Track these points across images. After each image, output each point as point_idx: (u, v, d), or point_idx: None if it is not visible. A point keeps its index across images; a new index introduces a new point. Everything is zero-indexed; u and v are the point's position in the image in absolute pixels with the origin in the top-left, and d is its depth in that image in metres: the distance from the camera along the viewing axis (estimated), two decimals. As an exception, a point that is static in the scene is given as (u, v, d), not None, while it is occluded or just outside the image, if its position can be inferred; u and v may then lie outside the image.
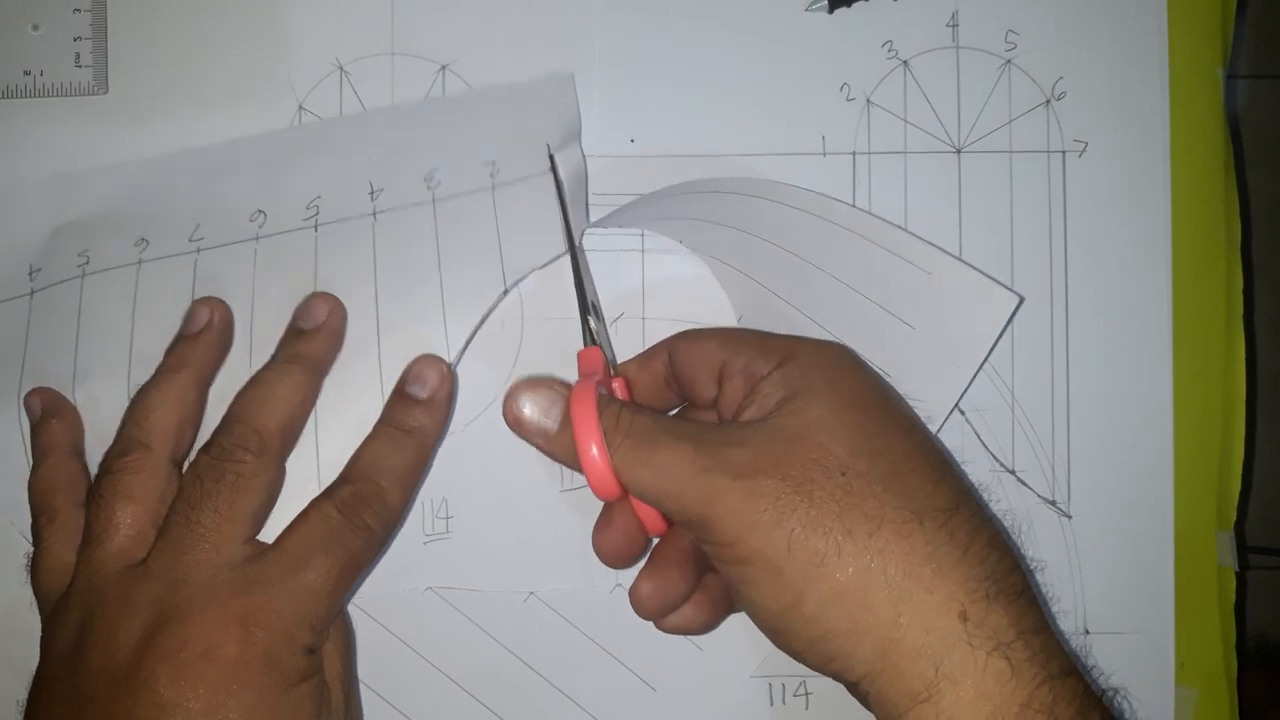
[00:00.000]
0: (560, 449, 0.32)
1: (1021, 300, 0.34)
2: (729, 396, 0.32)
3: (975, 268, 0.34)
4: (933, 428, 0.34)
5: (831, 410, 0.29)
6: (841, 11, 0.38)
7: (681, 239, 0.38)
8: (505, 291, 0.36)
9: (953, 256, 0.34)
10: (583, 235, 0.37)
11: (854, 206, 0.38)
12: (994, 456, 0.38)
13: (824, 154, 0.38)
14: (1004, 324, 0.34)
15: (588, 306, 0.35)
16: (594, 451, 0.30)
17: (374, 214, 0.36)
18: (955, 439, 0.38)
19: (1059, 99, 0.39)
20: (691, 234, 0.38)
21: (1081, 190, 0.38)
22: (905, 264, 0.34)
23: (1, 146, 0.38)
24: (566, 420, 0.31)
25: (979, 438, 0.38)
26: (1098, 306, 0.38)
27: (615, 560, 0.34)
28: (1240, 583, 0.38)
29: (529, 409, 0.32)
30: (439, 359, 0.35)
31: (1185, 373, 0.38)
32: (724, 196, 0.36)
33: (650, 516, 0.32)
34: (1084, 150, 0.39)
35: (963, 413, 0.38)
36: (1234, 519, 0.38)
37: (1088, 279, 0.38)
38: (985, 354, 0.34)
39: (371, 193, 0.37)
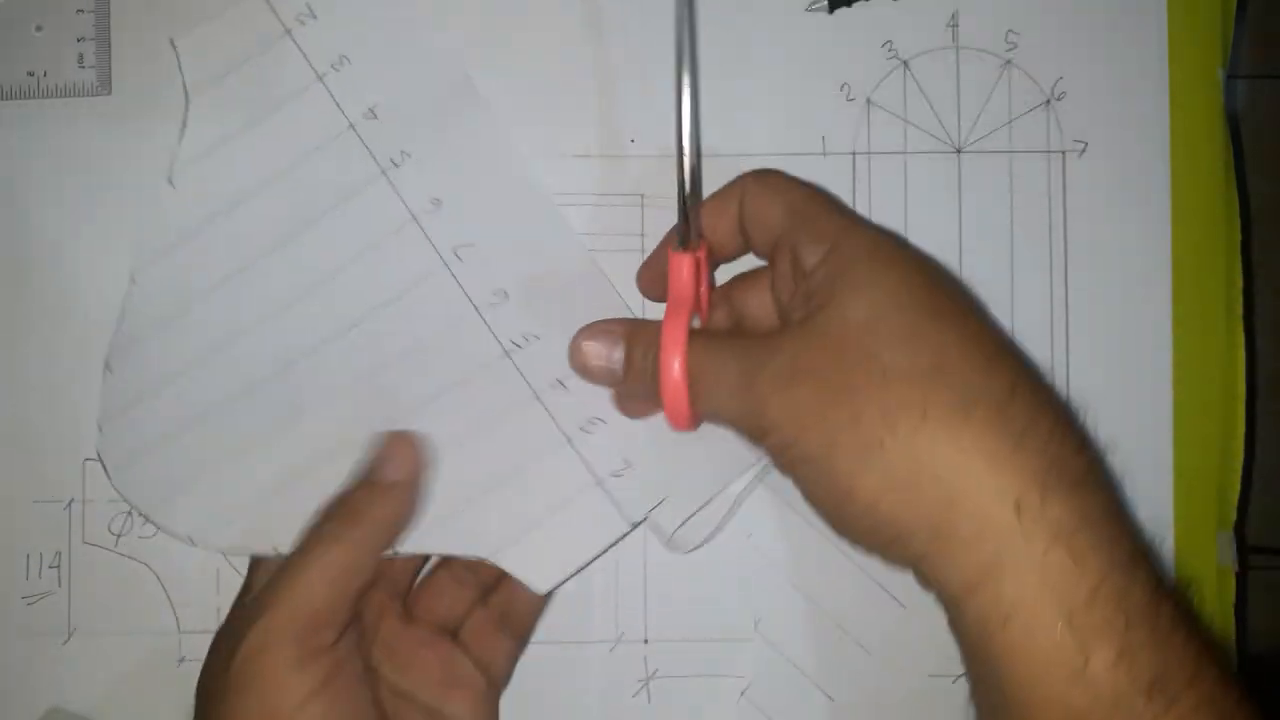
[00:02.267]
0: (633, 390, 0.34)
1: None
2: (779, 272, 0.32)
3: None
4: None
5: (874, 309, 0.29)
6: (841, 11, 0.38)
7: None
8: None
9: None
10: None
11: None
12: (994, 456, 0.38)
13: (824, 154, 0.39)
14: None
15: (688, 185, 0.33)
16: (678, 396, 0.31)
17: None
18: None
19: (1059, 99, 0.39)
20: None
21: (1081, 190, 0.38)
22: None
23: (5, 148, 0.38)
24: (631, 363, 0.33)
25: (979, 438, 0.38)
26: (1098, 306, 0.38)
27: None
28: (1240, 583, 0.38)
29: (593, 357, 0.33)
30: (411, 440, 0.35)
31: (1185, 373, 0.38)
32: None
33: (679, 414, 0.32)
34: (1084, 150, 0.39)
35: (963, 412, 0.38)
36: (1234, 519, 0.38)
37: (1088, 279, 0.38)
38: None
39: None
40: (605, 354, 0.33)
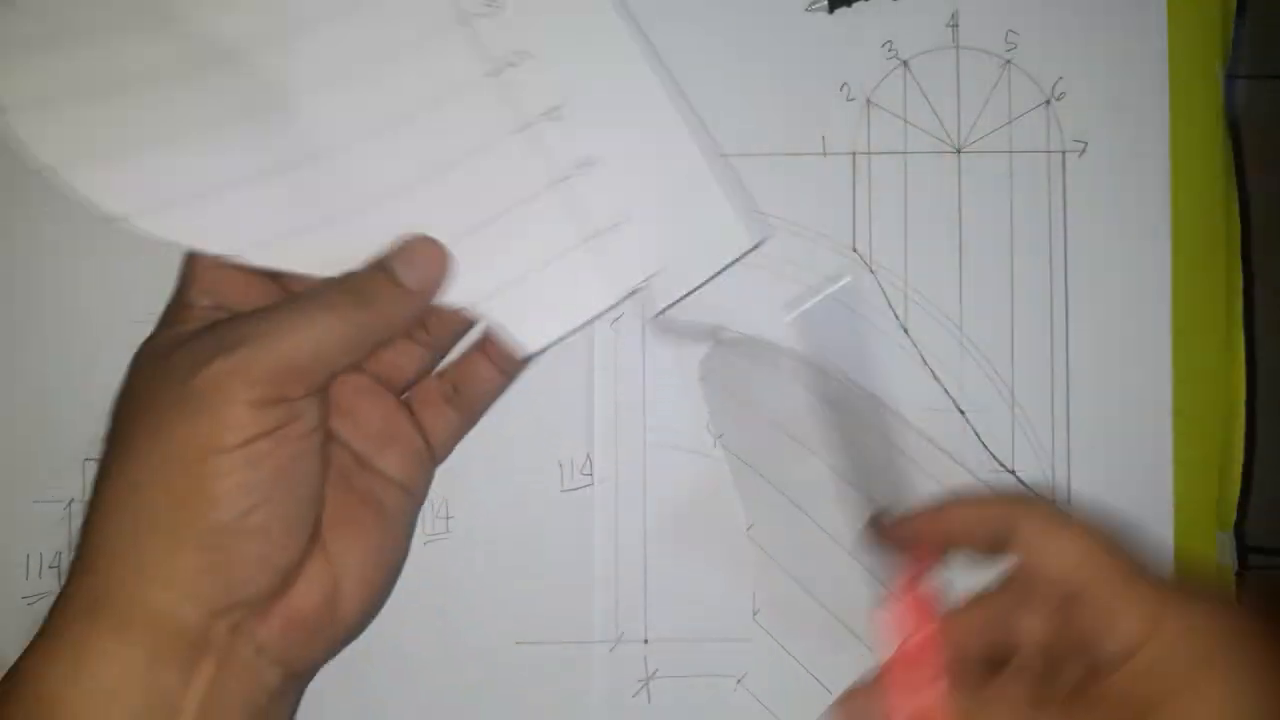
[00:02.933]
0: None
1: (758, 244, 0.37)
2: (1074, 633, 0.28)
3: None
4: None
5: (1250, 699, 0.25)
6: (842, 11, 0.38)
7: None
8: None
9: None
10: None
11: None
12: (994, 456, 0.38)
13: (824, 154, 0.38)
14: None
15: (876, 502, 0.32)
16: None
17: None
18: (955, 439, 0.38)
19: (1059, 99, 0.39)
20: None
21: (1081, 190, 0.38)
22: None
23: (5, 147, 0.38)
24: None
25: (979, 438, 0.38)
26: (1098, 306, 0.38)
27: None
28: (1240, 583, 0.38)
29: None
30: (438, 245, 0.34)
31: (1185, 373, 0.38)
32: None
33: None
34: (1084, 150, 0.39)
35: (963, 413, 0.38)
36: (1234, 519, 0.38)
37: (1088, 279, 0.38)
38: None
39: None
40: None
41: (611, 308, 0.35)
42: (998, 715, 0.28)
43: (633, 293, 0.36)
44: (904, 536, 0.33)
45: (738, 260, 0.36)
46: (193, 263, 0.33)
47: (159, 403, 0.29)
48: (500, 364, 0.35)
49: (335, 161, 0.34)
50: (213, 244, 0.32)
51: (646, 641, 0.38)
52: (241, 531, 0.29)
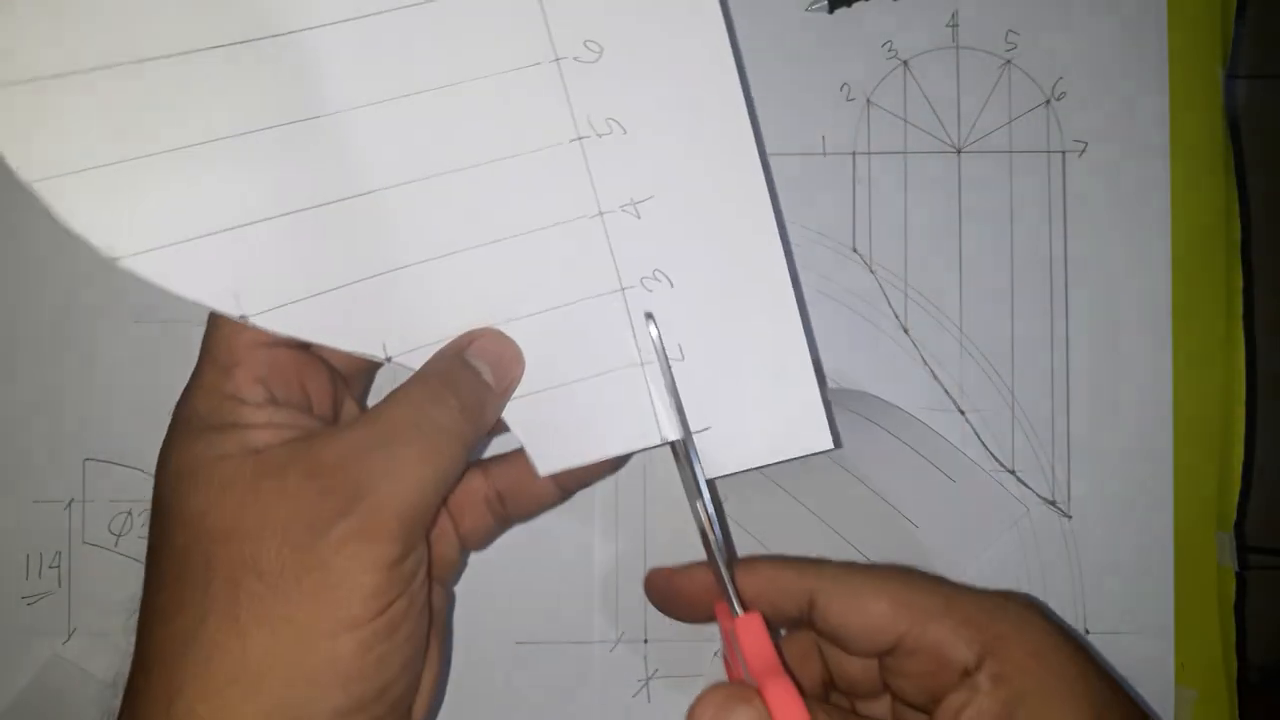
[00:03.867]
0: None
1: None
2: (906, 669, 0.28)
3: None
4: None
5: (1076, 713, 0.26)
6: (841, 11, 0.38)
7: None
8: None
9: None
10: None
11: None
12: (994, 456, 0.38)
13: (824, 153, 0.38)
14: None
15: (717, 511, 0.29)
16: None
17: None
18: (955, 439, 0.38)
19: (1059, 99, 0.39)
20: None
21: (1081, 190, 0.38)
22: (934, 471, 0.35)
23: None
24: None
25: (979, 438, 0.38)
26: (1097, 307, 0.38)
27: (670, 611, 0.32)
28: (1240, 583, 0.38)
29: None
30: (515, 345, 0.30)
31: (1185, 373, 0.38)
32: None
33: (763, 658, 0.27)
34: (1084, 150, 0.39)
35: (962, 413, 0.38)
36: (1234, 519, 0.38)
37: (1087, 279, 0.38)
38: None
39: None
40: None
41: (652, 449, 0.31)
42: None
43: (676, 441, 0.31)
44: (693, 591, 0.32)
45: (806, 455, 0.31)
46: (231, 340, 0.28)
47: (264, 568, 0.25)
48: (564, 481, 0.32)
49: (386, 203, 0.29)
50: (223, 298, 0.27)
51: (646, 641, 0.38)
52: (380, 702, 0.26)
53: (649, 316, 0.30)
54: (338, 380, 0.30)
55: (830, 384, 0.38)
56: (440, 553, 0.32)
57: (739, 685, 0.27)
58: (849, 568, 0.30)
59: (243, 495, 0.26)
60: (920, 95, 0.39)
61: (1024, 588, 0.38)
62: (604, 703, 0.38)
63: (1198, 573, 0.38)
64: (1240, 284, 0.38)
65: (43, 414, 0.38)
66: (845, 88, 0.39)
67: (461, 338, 0.30)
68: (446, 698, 0.37)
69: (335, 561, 0.25)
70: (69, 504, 0.37)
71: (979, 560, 0.37)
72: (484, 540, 0.33)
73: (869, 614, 0.28)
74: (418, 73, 0.29)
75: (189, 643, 0.25)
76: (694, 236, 0.30)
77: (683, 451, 0.30)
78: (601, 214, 0.30)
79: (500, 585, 0.38)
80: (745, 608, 0.28)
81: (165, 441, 0.27)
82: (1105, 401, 0.38)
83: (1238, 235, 0.38)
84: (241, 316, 0.27)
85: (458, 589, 0.37)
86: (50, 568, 0.37)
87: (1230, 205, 0.39)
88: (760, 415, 0.31)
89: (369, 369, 0.32)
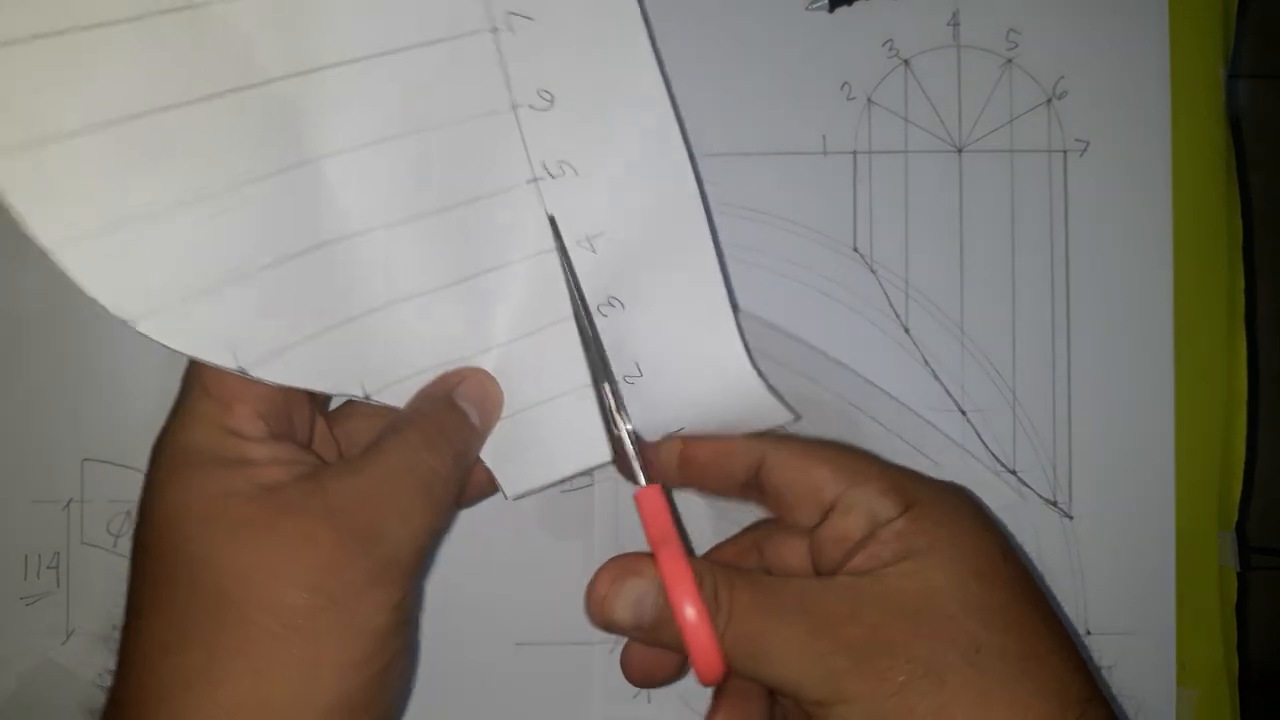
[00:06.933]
0: (660, 639, 0.29)
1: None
2: (837, 532, 0.29)
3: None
4: None
5: (957, 576, 0.27)
6: (842, 10, 0.38)
7: None
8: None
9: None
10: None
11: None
12: (995, 456, 0.38)
13: (825, 153, 0.38)
14: None
15: (617, 404, 0.31)
16: (705, 643, 0.27)
17: None
18: (956, 439, 0.38)
19: (1060, 98, 0.39)
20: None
21: (1082, 190, 0.38)
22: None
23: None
24: (662, 610, 0.28)
25: (980, 437, 0.38)
26: (1099, 306, 0.38)
27: (643, 680, 0.32)
28: (1242, 583, 0.38)
29: (620, 610, 0.28)
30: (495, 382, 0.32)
31: (1187, 373, 0.38)
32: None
33: (710, 665, 0.28)
34: (1085, 150, 0.39)
35: (963, 413, 0.38)
36: (1235, 519, 0.38)
37: (1088, 279, 0.38)
38: None
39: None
40: (633, 608, 0.29)
41: (603, 464, 0.32)
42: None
43: (586, 326, 0.32)
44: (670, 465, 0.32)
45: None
46: (225, 373, 0.28)
47: (282, 609, 0.26)
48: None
49: (358, 249, 0.30)
50: (221, 352, 0.28)
51: (647, 642, 0.38)
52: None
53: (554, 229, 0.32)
54: (314, 406, 0.31)
55: (831, 385, 0.38)
56: None
57: (633, 556, 0.29)
58: (794, 437, 0.32)
59: (259, 535, 0.26)
60: (921, 94, 0.39)
61: (1025, 588, 0.38)
62: (604, 703, 0.38)
63: (1199, 573, 0.38)
64: (1241, 284, 0.38)
65: (42, 414, 0.37)
66: (846, 87, 0.39)
67: (449, 376, 0.31)
68: (447, 698, 0.37)
69: (353, 604, 0.26)
70: (67, 504, 0.37)
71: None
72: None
73: (812, 475, 0.30)
74: (387, 120, 0.30)
75: (197, 678, 0.26)
76: (643, 268, 0.32)
77: (590, 337, 0.31)
78: (559, 249, 0.32)
79: (500, 585, 0.38)
80: (694, 474, 0.31)
81: (159, 472, 0.28)
82: (1107, 401, 0.38)
83: (1239, 235, 0.38)
84: (239, 369, 0.28)
85: (458, 589, 0.37)
86: (49, 568, 0.37)
87: (1231, 205, 0.39)
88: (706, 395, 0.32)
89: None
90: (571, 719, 0.38)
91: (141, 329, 0.27)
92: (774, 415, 0.32)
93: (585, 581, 0.37)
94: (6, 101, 0.26)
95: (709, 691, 0.38)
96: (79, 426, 0.37)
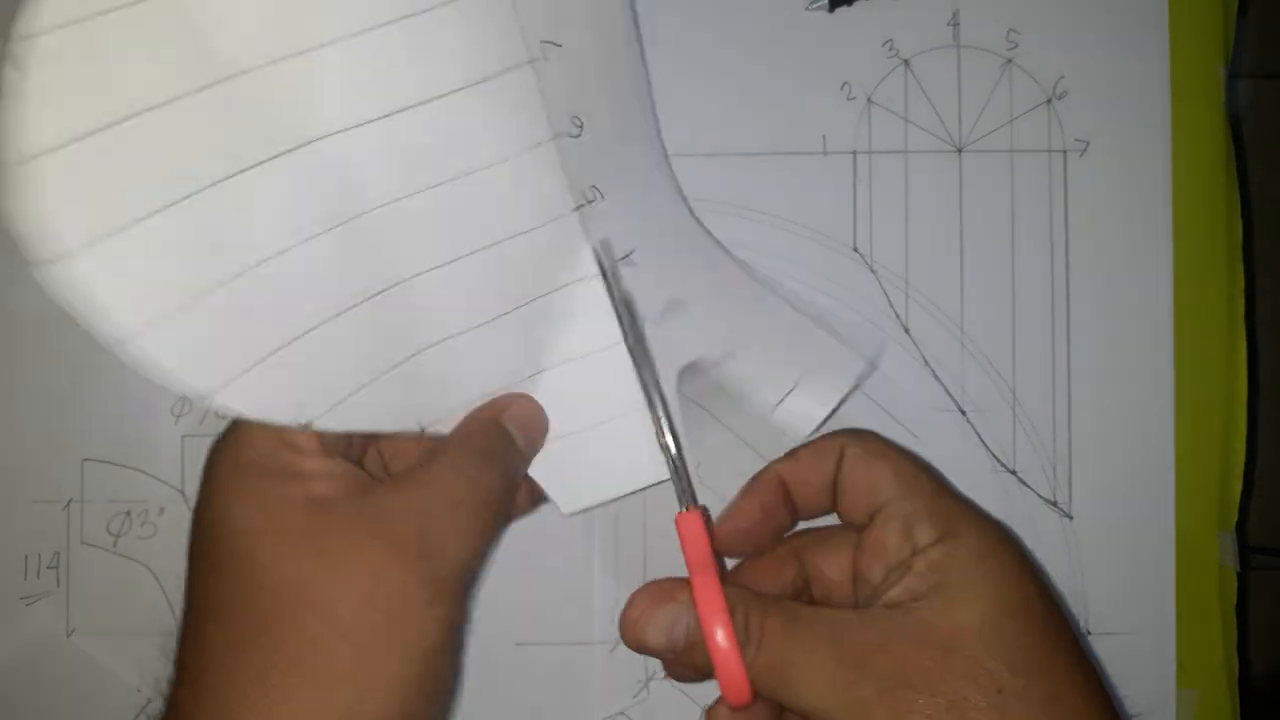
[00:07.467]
0: (690, 662, 0.30)
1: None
2: (875, 539, 0.30)
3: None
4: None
5: (988, 616, 0.28)
6: (842, 10, 0.38)
7: None
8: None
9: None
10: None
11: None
12: (995, 457, 0.38)
13: (824, 153, 0.38)
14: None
15: (672, 435, 0.31)
16: (734, 670, 0.28)
17: None
18: (956, 439, 0.38)
19: (1060, 98, 0.38)
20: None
21: (1083, 190, 0.38)
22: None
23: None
24: (694, 635, 0.29)
25: (980, 438, 0.38)
26: (1099, 306, 0.38)
27: (678, 678, 0.33)
28: (1242, 583, 0.38)
29: (654, 634, 0.30)
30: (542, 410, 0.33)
31: (1187, 373, 0.38)
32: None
33: (738, 691, 0.29)
34: (1085, 149, 0.38)
35: (963, 413, 0.38)
36: (1235, 519, 0.38)
37: (1088, 279, 0.38)
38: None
39: None
40: (665, 633, 0.30)
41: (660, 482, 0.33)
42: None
43: (633, 350, 0.33)
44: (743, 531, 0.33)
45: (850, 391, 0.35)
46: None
47: (339, 622, 0.26)
48: (534, 491, 0.34)
49: (410, 294, 0.30)
50: (289, 411, 0.28)
51: (646, 642, 0.38)
52: None
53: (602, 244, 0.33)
54: None
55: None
56: None
57: (669, 582, 0.30)
58: (875, 436, 0.33)
59: (314, 547, 0.27)
60: (921, 94, 0.38)
61: (1025, 588, 0.38)
62: (604, 703, 0.38)
63: (1199, 573, 0.38)
64: (1241, 284, 0.38)
65: (42, 414, 0.38)
66: (846, 87, 0.39)
67: (498, 400, 0.32)
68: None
69: (406, 618, 0.27)
70: (67, 504, 0.37)
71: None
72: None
73: (874, 473, 0.31)
74: (436, 167, 0.30)
75: (253, 688, 0.26)
76: (680, 278, 0.34)
77: (640, 359, 0.32)
78: (602, 273, 0.32)
79: (500, 585, 0.38)
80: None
81: (216, 483, 0.28)
82: (1107, 401, 0.38)
83: (1239, 235, 0.38)
84: (304, 425, 0.28)
85: (457, 589, 0.37)
86: (49, 568, 0.37)
87: (1231, 205, 0.39)
88: None
89: None
90: (571, 719, 0.38)
91: (217, 403, 0.27)
92: (849, 365, 0.34)
93: (585, 582, 0.38)
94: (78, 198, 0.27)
95: (712, 684, 0.38)
96: (79, 426, 0.37)
